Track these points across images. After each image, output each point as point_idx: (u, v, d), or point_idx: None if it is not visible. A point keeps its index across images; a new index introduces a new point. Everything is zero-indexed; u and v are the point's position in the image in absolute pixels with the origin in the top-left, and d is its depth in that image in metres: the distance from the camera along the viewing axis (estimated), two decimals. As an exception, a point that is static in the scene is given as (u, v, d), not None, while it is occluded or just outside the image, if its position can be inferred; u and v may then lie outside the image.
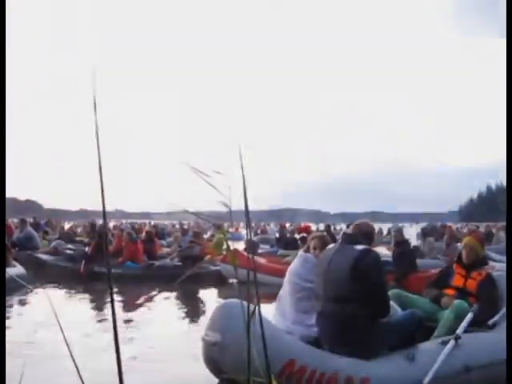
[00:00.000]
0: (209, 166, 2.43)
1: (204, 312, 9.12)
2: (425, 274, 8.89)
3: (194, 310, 9.46)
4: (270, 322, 4.34)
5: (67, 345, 1.50)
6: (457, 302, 5.25)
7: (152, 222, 40.12)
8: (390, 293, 4.79)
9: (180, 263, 13.43)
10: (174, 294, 11.04)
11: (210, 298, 11.06)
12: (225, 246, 15.50)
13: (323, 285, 4.40)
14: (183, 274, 11.06)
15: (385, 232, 34.41)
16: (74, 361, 1.48)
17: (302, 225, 21.93)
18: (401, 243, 10.75)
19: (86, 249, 14.37)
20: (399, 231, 12.56)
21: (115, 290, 11.41)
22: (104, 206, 1.50)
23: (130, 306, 10.07)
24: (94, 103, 1.43)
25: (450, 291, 5.64)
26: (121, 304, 10.28)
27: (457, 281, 5.68)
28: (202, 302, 10.65)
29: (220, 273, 12.99)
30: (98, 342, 6.50)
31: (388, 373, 4.04)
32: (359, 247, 4.31)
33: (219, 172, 2.41)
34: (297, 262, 5.02)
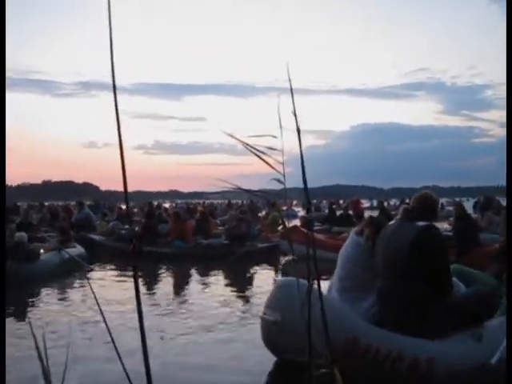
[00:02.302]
0: (261, 142, 2.35)
1: (254, 289, 9.16)
2: (487, 249, 8.59)
3: (243, 287, 9.47)
4: (330, 299, 4.21)
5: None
6: (522, 277, 5.04)
7: (206, 202, 40.42)
8: (452, 268, 4.61)
9: (227, 242, 13.52)
10: (222, 272, 11.15)
11: (262, 275, 11.07)
12: (280, 223, 15.62)
13: (383, 263, 4.26)
14: (231, 252, 11.24)
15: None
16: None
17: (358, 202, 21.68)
18: (462, 217, 10.37)
19: (136, 229, 14.68)
20: (460, 205, 12.25)
21: (163, 268, 11.77)
22: (126, 189, 1.45)
23: (178, 283, 10.31)
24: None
25: (513, 266, 5.42)
26: (169, 282, 10.53)
27: (521, 255, 5.47)
28: (252, 279, 10.64)
29: (271, 250, 13.23)
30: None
31: (454, 353, 3.88)
32: (420, 223, 4.12)
33: (273, 148, 2.33)
34: (348, 246, 4.86)
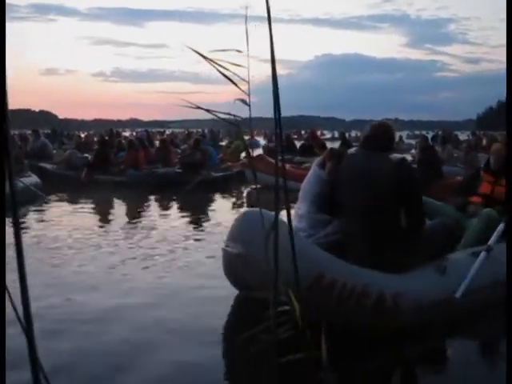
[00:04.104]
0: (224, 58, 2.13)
1: (213, 220, 8.97)
2: (449, 181, 8.58)
3: (200, 217, 9.33)
4: (296, 232, 3.99)
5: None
6: (486, 210, 5.00)
7: (167, 131, 39.75)
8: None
9: (181, 170, 13.34)
10: (178, 202, 11.07)
11: (222, 205, 11.01)
12: (243, 153, 15.49)
13: (351, 196, 4.03)
14: (185, 181, 11.17)
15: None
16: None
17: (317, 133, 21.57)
18: (426, 150, 10.33)
19: (89, 157, 14.30)
20: (425, 137, 12.25)
21: (116, 197, 11.65)
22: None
23: (132, 212, 10.08)
24: None
25: (476, 199, 5.40)
26: (123, 211, 10.37)
27: (484, 188, 5.44)
28: (210, 209, 10.53)
29: (228, 179, 13.33)
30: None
31: (419, 287, 3.79)
32: (394, 156, 3.93)
33: (238, 64, 2.10)
34: (311, 179, 4.67)
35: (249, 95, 2.08)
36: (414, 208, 3.94)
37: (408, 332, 3.67)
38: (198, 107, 2.09)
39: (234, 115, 2.16)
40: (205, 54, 2.11)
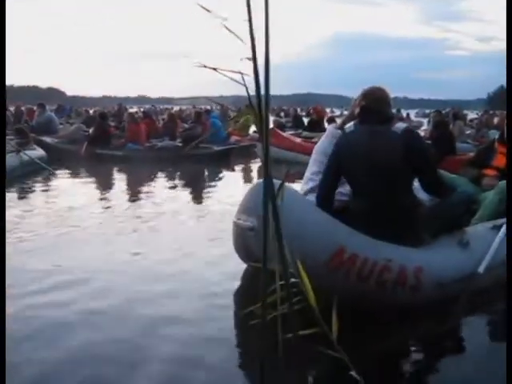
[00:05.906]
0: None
1: (217, 192, 9.08)
2: (463, 157, 8.46)
3: (200, 188, 9.55)
4: (314, 205, 3.71)
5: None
6: (502, 182, 4.83)
7: (175, 107, 39.55)
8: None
9: (181, 144, 13.28)
10: (177, 174, 11.21)
11: (230, 178, 11.20)
12: (252, 126, 15.49)
13: (366, 171, 3.66)
14: (184, 154, 11.70)
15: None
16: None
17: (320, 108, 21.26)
18: (440, 125, 10.17)
19: (90, 131, 14.03)
20: (440, 112, 12.10)
21: (117, 169, 11.65)
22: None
23: (133, 186, 10.03)
24: None
25: (490, 171, 5.28)
26: (124, 184, 10.33)
27: (498, 160, 5.32)
28: (208, 180, 10.83)
29: (230, 153, 13.41)
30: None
31: (442, 261, 3.61)
32: (399, 127, 3.60)
33: (246, 19, 2.02)
34: (325, 140, 4.38)
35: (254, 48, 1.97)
36: (430, 175, 3.72)
37: (428, 308, 3.52)
38: (205, 66, 1.98)
39: (243, 73, 2.04)
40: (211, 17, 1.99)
